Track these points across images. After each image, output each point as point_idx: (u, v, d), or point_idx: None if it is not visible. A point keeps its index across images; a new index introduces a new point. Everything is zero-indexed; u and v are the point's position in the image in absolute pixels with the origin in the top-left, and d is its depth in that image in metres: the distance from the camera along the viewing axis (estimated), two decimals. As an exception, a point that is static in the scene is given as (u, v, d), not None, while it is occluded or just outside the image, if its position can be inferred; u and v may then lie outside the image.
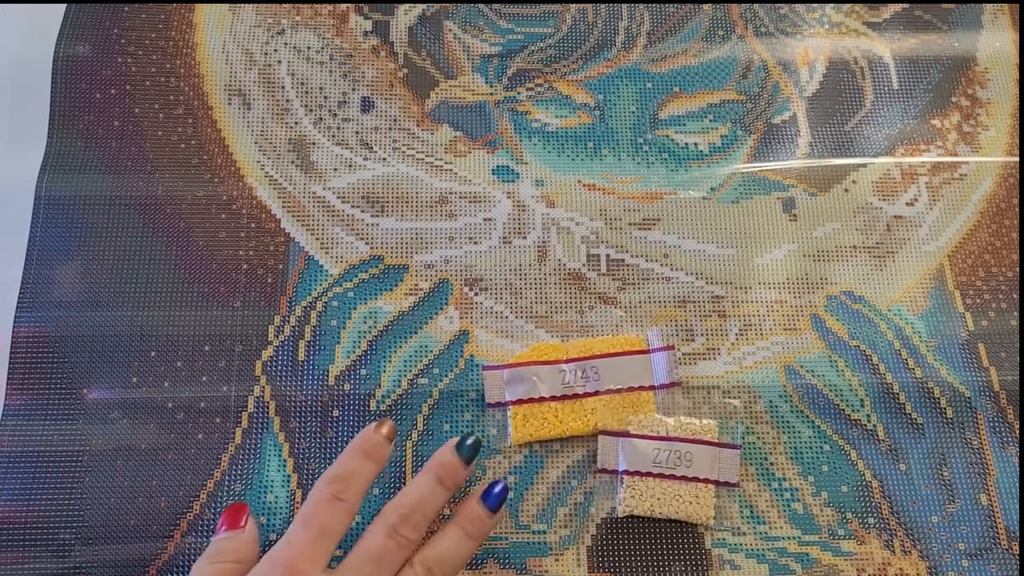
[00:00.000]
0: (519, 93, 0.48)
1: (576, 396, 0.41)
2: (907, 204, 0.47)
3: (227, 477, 0.40)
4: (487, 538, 0.38)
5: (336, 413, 0.41)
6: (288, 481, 0.40)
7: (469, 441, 0.37)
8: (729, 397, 0.42)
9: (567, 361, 0.42)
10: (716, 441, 0.40)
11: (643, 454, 0.40)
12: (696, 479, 0.40)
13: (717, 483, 0.40)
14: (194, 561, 0.38)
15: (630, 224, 0.46)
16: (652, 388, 0.42)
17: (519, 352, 0.42)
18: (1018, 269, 0.45)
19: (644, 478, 0.40)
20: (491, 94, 0.48)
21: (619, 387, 0.41)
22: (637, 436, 0.40)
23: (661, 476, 0.40)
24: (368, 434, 0.36)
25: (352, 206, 0.45)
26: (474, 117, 0.48)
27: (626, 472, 0.40)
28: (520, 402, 0.41)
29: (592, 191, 0.46)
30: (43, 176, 0.45)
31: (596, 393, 0.41)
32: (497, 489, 0.36)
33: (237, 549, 0.35)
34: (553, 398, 0.41)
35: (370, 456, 0.36)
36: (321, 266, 0.44)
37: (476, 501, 0.36)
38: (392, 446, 0.36)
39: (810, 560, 0.39)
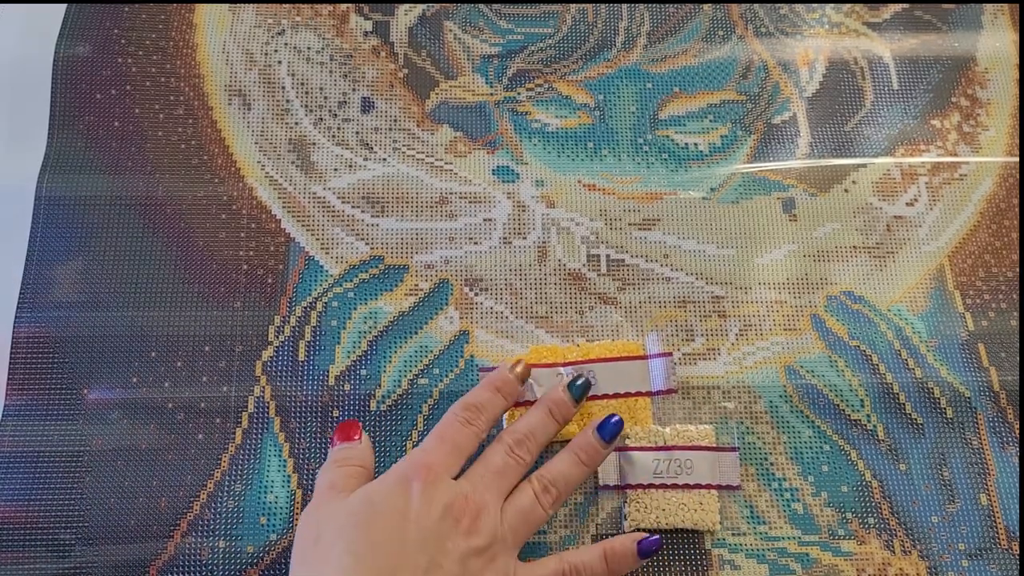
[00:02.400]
0: (519, 93, 0.48)
1: None
2: (907, 204, 0.47)
3: (227, 477, 0.40)
4: (597, 467, 0.39)
5: (336, 413, 0.41)
6: (288, 481, 0.40)
7: (579, 382, 0.39)
8: (723, 399, 0.42)
9: (565, 364, 0.41)
10: (714, 446, 0.40)
11: (643, 466, 0.40)
12: (699, 486, 0.40)
13: (719, 487, 0.40)
14: (193, 561, 0.38)
15: (630, 224, 0.46)
16: (649, 394, 0.41)
17: (519, 354, 0.42)
18: (1018, 269, 0.45)
19: (647, 490, 0.39)
20: (491, 94, 0.48)
21: (616, 392, 0.41)
22: (635, 449, 0.40)
23: (663, 486, 0.39)
24: (502, 372, 0.39)
25: (352, 206, 0.45)
26: (474, 117, 0.48)
27: (628, 486, 0.40)
28: (516, 405, 0.41)
29: (592, 191, 0.46)
30: (43, 176, 0.45)
31: (593, 397, 0.41)
32: (612, 421, 0.38)
33: (358, 456, 0.37)
34: None
35: (501, 391, 0.38)
36: (321, 266, 0.44)
37: (592, 431, 0.38)
38: (523, 387, 0.39)
39: (810, 560, 0.39)
